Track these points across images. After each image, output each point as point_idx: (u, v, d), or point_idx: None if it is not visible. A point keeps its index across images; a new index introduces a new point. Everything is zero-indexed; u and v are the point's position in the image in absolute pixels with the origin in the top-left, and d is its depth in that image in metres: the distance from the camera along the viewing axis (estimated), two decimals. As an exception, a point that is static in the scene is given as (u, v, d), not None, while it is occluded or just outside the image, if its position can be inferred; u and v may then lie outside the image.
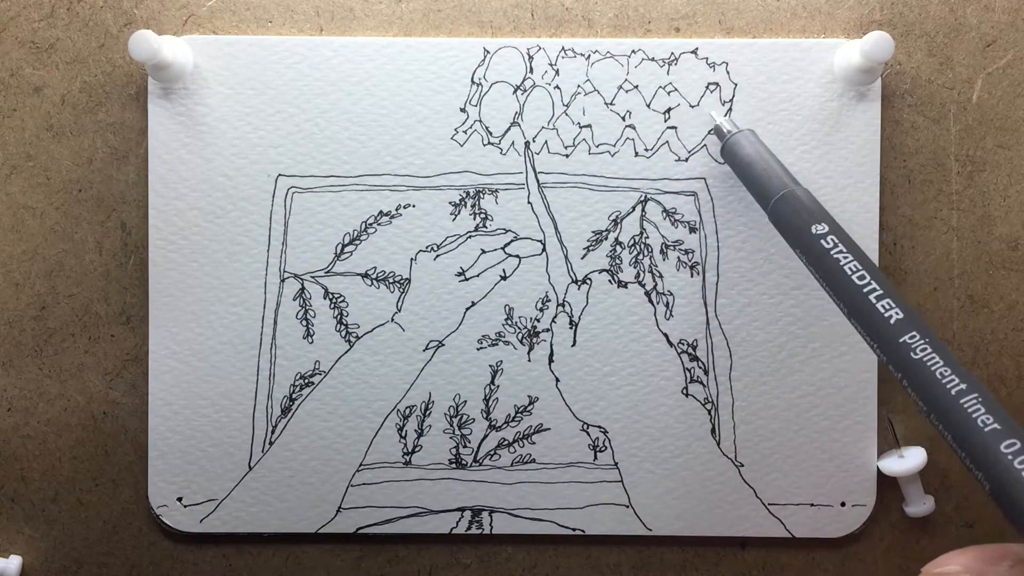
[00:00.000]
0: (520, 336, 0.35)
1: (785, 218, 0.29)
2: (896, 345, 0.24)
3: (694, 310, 0.35)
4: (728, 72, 0.35)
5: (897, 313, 0.24)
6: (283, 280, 0.35)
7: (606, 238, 0.35)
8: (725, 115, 0.34)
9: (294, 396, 0.35)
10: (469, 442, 0.36)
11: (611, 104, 0.35)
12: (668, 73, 0.35)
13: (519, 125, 0.35)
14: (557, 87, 0.35)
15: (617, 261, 0.35)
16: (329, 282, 0.35)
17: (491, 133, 0.35)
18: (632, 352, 0.35)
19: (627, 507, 0.35)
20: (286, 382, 0.35)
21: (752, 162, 0.31)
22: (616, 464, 0.35)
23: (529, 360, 0.35)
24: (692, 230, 0.35)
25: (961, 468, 0.36)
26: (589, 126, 0.35)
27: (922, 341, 0.23)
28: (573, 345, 0.35)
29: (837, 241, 0.27)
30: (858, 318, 0.25)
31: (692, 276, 0.35)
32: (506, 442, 0.36)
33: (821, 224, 0.27)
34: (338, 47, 0.35)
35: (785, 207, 0.29)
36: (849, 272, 0.26)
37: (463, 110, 0.35)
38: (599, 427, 0.35)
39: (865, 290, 0.25)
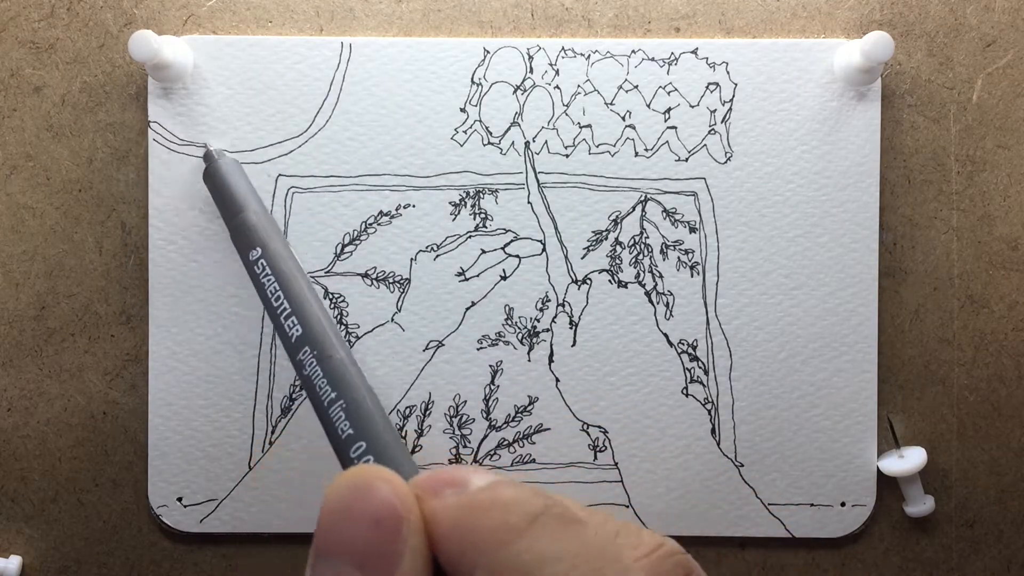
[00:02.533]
0: (520, 336, 0.35)
1: (237, 242, 0.32)
2: (295, 361, 0.28)
3: (694, 310, 0.35)
4: (728, 72, 0.35)
5: (297, 331, 0.28)
6: (283, 280, 0.35)
7: (606, 238, 0.35)
8: (212, 146, 0.34)
9: (294, 396, 0.35)
10: (469, 442, 0.36)
11: (611, 104, 0.35)
12: (668, 73, 0.35)
13: (519, 125, 0.35)
14: (557, 87, 0.35)
15: (617, 261, 0.35)
16: (329, 282, 0.35)
17: (491, 133, 0.35)
18: (632, 352, 0.35)
19: (627, 507, 0.35)
20: (286, 382, 0.35)
21: (223, 187, 0.33)
22: (616, 464, 0.35)
23: (529, 360, 0.35)
24: (692, 230, 0.35)
25: (961, 468, 0.36)
26: (589, 126, 0.35)
27: (311, 356, 0.27)
28: (573, 345, 0.35)
29: (265, 265, 0.30)
30: (279, 335, 0.29)
31: (692, 276, 0.35)
32: (506, 442, 0.36)
33: (256, 249, 0.31)
34: (338, 47, 0.35)
35: (238, 232, 0.32)
36: (270, 293, 0.30)
37: (463, 110, 0.35)
38: (599, 427, 0.35)
39: (279, 310, 0.29)
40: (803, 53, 0.35)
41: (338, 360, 0.27)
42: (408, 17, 0.36)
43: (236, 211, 0.32)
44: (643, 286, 0.35)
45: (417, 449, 0.35)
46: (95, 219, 0.36)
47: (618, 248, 0.35)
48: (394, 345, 0.35)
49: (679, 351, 0.35)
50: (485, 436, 0.35)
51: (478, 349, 0.35)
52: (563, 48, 0.35)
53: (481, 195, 0.35)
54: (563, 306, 0.35)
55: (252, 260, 0.31)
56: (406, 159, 0.35)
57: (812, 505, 0.35)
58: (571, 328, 0.35)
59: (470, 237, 0.35)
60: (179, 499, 0.35)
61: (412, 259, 0.35)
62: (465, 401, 0.35)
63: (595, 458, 0.35)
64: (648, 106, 0.35)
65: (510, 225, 0.35)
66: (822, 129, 0.35)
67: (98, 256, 0.36)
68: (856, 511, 0.36)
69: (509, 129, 0.35)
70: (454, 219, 0.35)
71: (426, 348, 0.35)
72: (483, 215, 0.35)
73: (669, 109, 0.35)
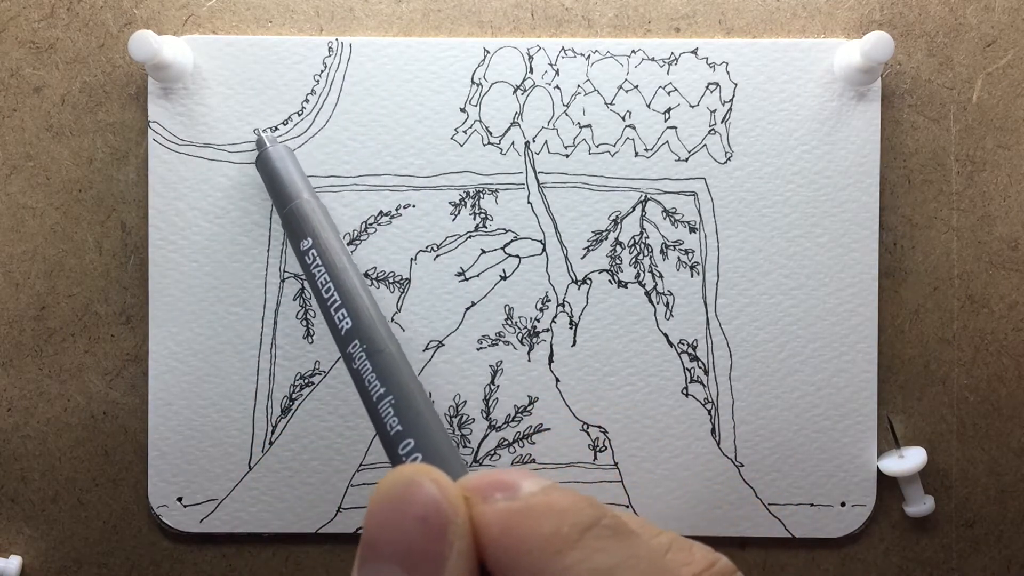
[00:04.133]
0: (520, 336, 0.35)
1: (288, 231, 0.31)
2: (345, 355, 0.28)
3: (694, 310, 0.35)
4: (728, 72, 0.35)
5: (347, 324, 0.28)
6: (283, 280, 0.35)
7: (606, 238, 0.35)
8: (266, 130, 0.34)
9: (294, 396, 0.35)
10: (469, 442, 0.36)
11: (611, 104, 0.35)
12: (668, 73, 0.35)
13: (519, 125, 0.35)
14: (557, 87, 0.35)
15: (617, 261, 0.35)
16: (329, 282, 0.35)
17: (491, 133, 0.35)
18: (632, 352, 0.35)
19: (627, 507, 0.35)
20: (286, 382, 0.35)
21: (277, 174, 0.32)
22: (616, 464, 0.35)
23: (529, 360, 0.35)
24: (692, 230, 0.35)
25: (961, 468, 0.36)
26: (589, 126, 0.35)
27: (361, 350, 0.27)
28: (573, 345, 0.35)
29: (316, 255, 0.30)
30: (329, 327, 0.29)
31: (692, 276, 0.35)
32: (506, 442, 0.36)
33: (307, 239, 0.30)
34: (338, 47, 0.35)
35: (289, 220, 0.31)
36: (320, 284, 0.29)
37: (463, 110, 0.35)
38: (599, 427, 0.35)
39: (329, 301, 0.29)
40: (803, 53, 0.35)
41: (388, 354, 0.27)
42: (408, 17, 0.36)
43: (287, 200, 0.31)
44: (643, 286, 0.35)
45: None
46: (95, 219, 0.36)
47: (618, 248, 0.35)
48: (394, 345, 0.35)
49: (679, 351, 0.35)
50: (485, 436, 0.35)
51: (478, 349, 0.35)
52: (563, 48, 0.35)
53: (481, 195, 0.35)
54: (563, 306, 0.35)
55: (303, 250, 0.30)
56: (406, 159, 0.35)
57: (812, 505, 0.35)
58: (571, 328, 0.35)
59: (470, 237, 0.35)
60: (179, 499, 0.35)
61: (412, 259, 0.35)
62: (465, 401, 0.35)
63: (595, 458, 0.35)
64: (648, 106, 0.35)
65: (510, 225, 0.35)
66: (822, 129, 0.35)
67: (98, 256, 0.36)
68: (856, 511, 0.36)
69: (509, 129, 0.35)
70: (454, 219, 0.35)
71: (426, 348, 0.35)
72: (483, 215, 0.35)
73: (669, 109, 0.35)
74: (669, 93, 0.35)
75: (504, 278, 0.35)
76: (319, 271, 0.29)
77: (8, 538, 0.36)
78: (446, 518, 0.16)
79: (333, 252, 0.30)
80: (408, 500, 0.16)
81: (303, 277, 0.35)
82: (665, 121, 0.35)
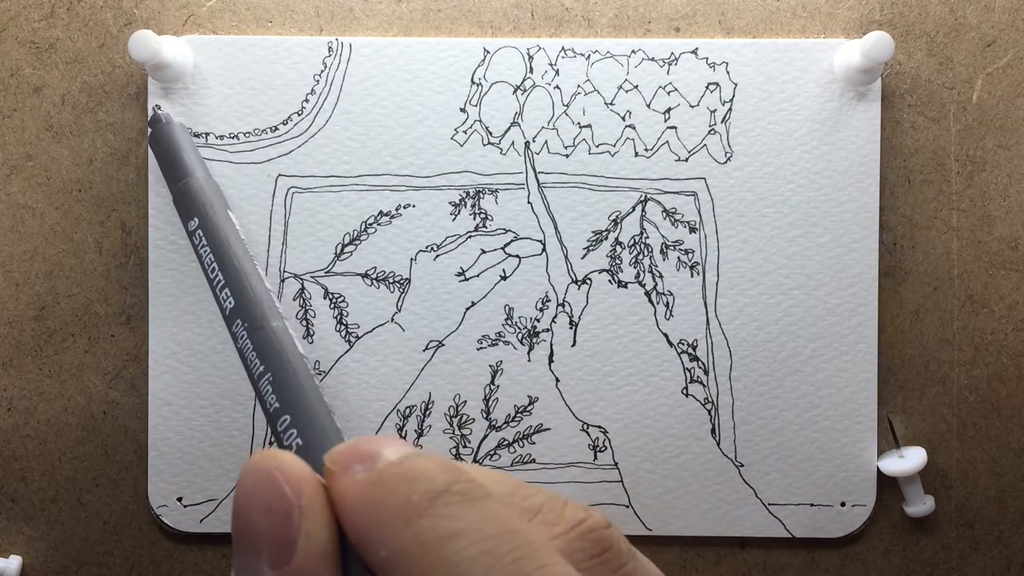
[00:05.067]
0: (520, 336, 0.35)
1: (179, 209, 0.32)
2: (231, 333, 0.28)
3: (694, 310, 0.35)
4: (728, 72, 0.35)
5: (231, 303, 0.28)
6: (283, 280, 0.35)
7: (606, 238, 0.35)
8: (161, 108, 0.34)
9: (294, 396, 0.35)
10: (469, 442, 0.36)
11: (611, 104, 0.35)
12: (668, 73, 0.35)
13: (519, 125, 0.35)
14: (557, 87, 0.35)
15: (617, 261, 0.35)
16: (329, 282, 0.35)
17: (491, 133, 0.35)
18: (632, 352, 0.35)
19: (627, 507, 0.35)
20: (286, 382, 0.35)
21: (168, 153, 0.32)
22: (616, 464, 0.35)
23: (529, 360, 0.35)
24: (692, 230, 0.35)
25: (961, 468, 0.36)
26: (589, 126, 0.35)
27: (243, 328, 0.27)
28: (573, 345, 0.35)
29: (202, 235, 0.30)
30: (218, 306, 0.29)
31: (692, 276, 0.35)
32: (506, 442, 0.36)
33: (194, 219, 0.30)
34: (338, 47, 0.35)
35: (179, 199, 0.31)
36: (206, 264, 0.29)
37: (463, 110, 0.35)
38: (599, 427, 0.35)
39: (214, 281, 0.29)
40: (803, 53, 0.35)
41: (268, 331, 0.27)
42: (408, 17, 0.36)
43: (177, 178, 0.32)
44: (643, 286, 0.35)
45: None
46: (95, 219, 0.36)
47: (618, 248, 0.35)
48: (394, 345, 0.35)
49: (679, 351, 0.35)
50: (485, 436, 0.35)
51: (478, 349, 0.35)
52: (563, 48, 0.35)
53: (481, 195, 0.35)
54: (563, 306, 0.35)
55: (191, 230, 0.30)
56: (406, 159, 0.35)
57: (812, 505, 0.35)
58: (571, 328, 0.35)
59: (470, 237, 0.35)
60: (179, 499, 0.35)
61: (412, 259, 0.35)
62: (465, 401, 0.35)
63: (595, 458, 0.35)
64: (648, 106, 0.35)
65: (510, 225, 0.35)
66: (822, 129, 0.35)
67: (98, 256, 0.36)
68: (856, 511, 0.36)
69: (509, 129, 0.35)
70: (454, 219, 0.35)
71: (426, 348, 0.35)
72: (483, 215, 0.35)
73: (669, 109, 0.35)
74: (669, 93, 0.35)
75: (504, 278, 0.35)
76: (205, 251, 0.30)
77: (8, 538, 0.36)
78: (289, 503, 0.16)
79: (219, 232, 0.30)
80: (254, 491, 0.16)
81: (303, 277, 0.35)
82: (665, 121, 0.35)
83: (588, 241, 0.35)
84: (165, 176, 0.33)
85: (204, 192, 0.31)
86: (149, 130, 0.33)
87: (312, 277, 0.35)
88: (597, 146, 0.35)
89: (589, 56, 0.35)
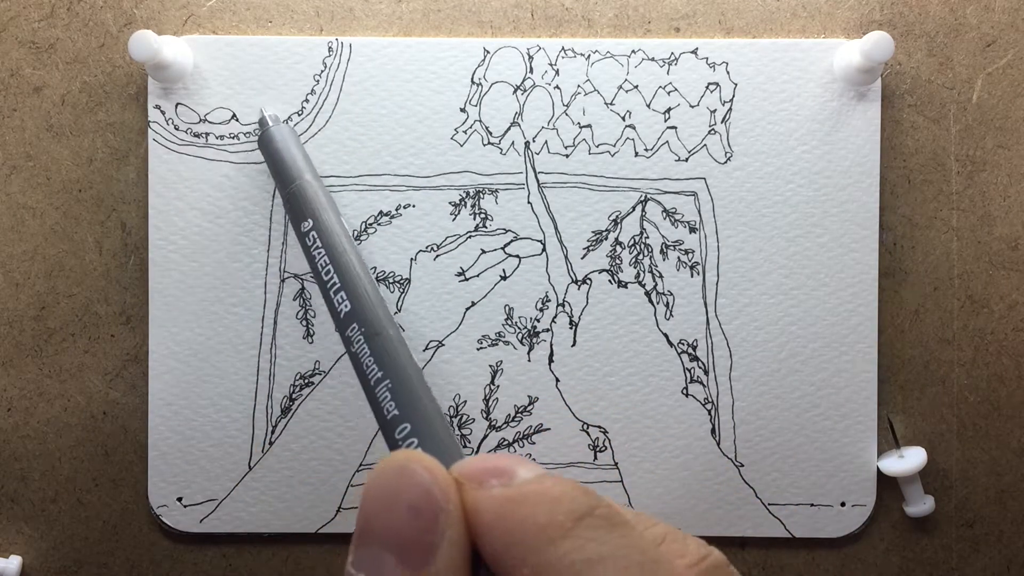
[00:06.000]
0: (520, 336, 0.35)
1: (289, 212, 0.31)
2: (344, 338, 0.27)
3: (694, 310, 0.35)
4: (728, 72, 0.35)
5: (346, 307, 0.28)
6: (283, 280, 0.35)
7: (606, 238, 0.35)
8: (267, 111, 0.34)
9: (294, 396, 0.35)
10: (469, 442, 0.36)
11: (611, 104, 0.35)
12: (668, 73, 0.35)
13: (519, 125, 0.35)
14: (557, 87, 0.35)
15: (617, 261, 0.35)
16: (329, 282, 0.35)
17: (491, 133, 0.35)
18: (632, 352, 0.35)
19: (627, 507, 0.35)
20: (286, 382, 0.35)
21: (279, 154, 0.32)
22: (616, 464, 0.35)
23: (529, 360, 0.35)
24: (692, 230, 0.35)
25: (961, 468, 0.36)
26: (589, 126, 0.35)
27: (359, 333, 0.27)
28: (573, 345, 0.35)
29: (316, 237, 0.29)
30: (329, 310, 0.28)
31: (692, 276, 0.35)
32: (506, 442, 0.36)
33: (308, 221, 0.30)
34: (338, 47, 0.35)
35: (291, 201, 0.31)
36: (320, 267, 0.29)
37: (463, 110, 0.35)
38: (599, 427, 0.35)
39: (328, 284, 0.28)
40: (803, 53, 0.35)
41: (386, 338, 0.26)
42: (408, 17, 0.36)
43: (289, 180, 0.31)
44: (643, 286, 0.35)
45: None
46: (95, 219, 0.36)
47: (618, 248, 0.35)
48: (394, 345, 0.35)
49: (679, 351, 0.35)
50: (485, 436, 0.35)
51: (478, 349, 0.35)
52: (563, 48, 0.35)
53: (481, 195, 0.35)
54: (563, 306, 0.35)
55: (304, 232, 0.30)
56: (406, 159, 0.35)
57: (812, 505, 0.35)
58: (571, 328, 0.35)
59: (470, 237, 0.35)
60: (179, 499, 0.35)
61: (412, 259, 0.35)
62: (465, 401, 0.35)
63: (595, 458, 0.35)
64: (648, 106, 0.35)
65: (510, 225, 0.35)
66: (822, 129, 0.35)
67: (98, 256, 0.36)
68: (856, 511, 0.36)
69: (509, 129, 0.35)
70: (454, 219, 0.35)
71: (426, 348, 0.35)
72: (483, 215, 0.35)
73: (669, 109, 0.35)
74: (669, 93, 0.35)
75: (504, 278, 0.35)
76: (319, 253, 0.29)
77: (8, 538, 0.36)
78: (437, 506, 0.16)
79: (333, 234, 0.29)
80: (400, 488, 0.16)
81: (303, 277, 0.35)
82: (665, 121, 0.35)
83: (588, 241, 0.35)
84: (275, 178, 0.32)
85: (318, 194, 0.31)
86: (259, 132, 0.33)
87: (312, 277, 0.35)
88: (597, 146, 0.35)
89: (589, 56, 0.35)
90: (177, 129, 0.35)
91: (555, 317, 0.35)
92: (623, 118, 0.35)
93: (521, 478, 0.17)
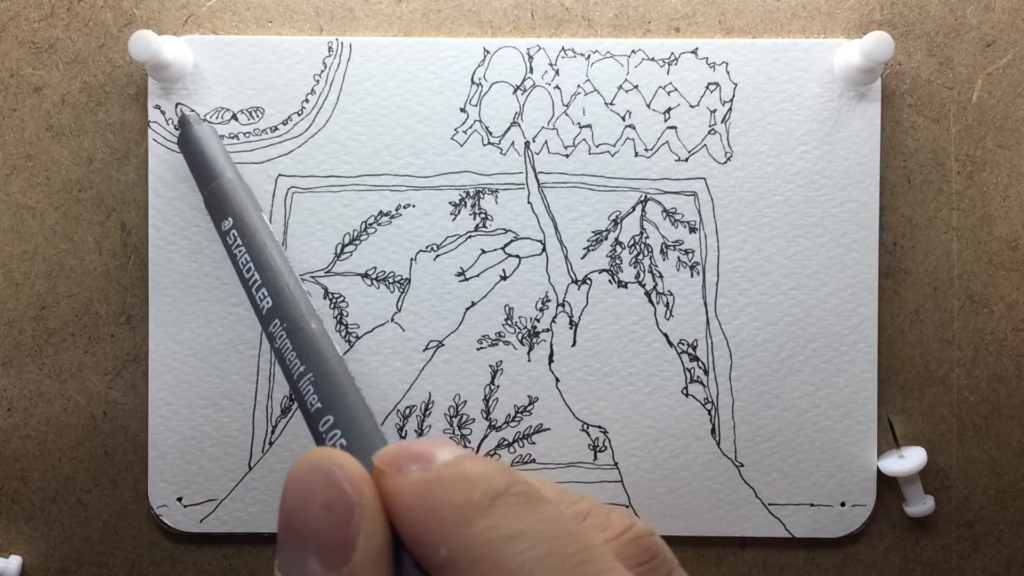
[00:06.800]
0: (520, 336, 0.35)
1: (211, 211, 0.31)
2: (267, 334, 0.27)
3: (694, 310, 0.35)
4: (728, 72, 0.35)
5: (268, 303, 0.28)
6: (283, 280, 0.35)
7: (606, 238, 0.35)
8: (192, 110, 0.34)
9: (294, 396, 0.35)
10: (469, 442, 0.36)
11: (611, 104, 0.35)
12: (668, 73, 0.35)
13: (519, 125, 0.35)
14: (557, 87, 0.35)
15: (617, 261, 0.35)
16: (329, 282, 0.35)
17: (491, 133, 0.35)
18: (632, 352, 0.35)
19: (627, 507, 0.35)
20: (286, 382, 0.35)
21: (199, 154, 0.32)
22: (616, 464, 0.35)
23: (529, 360, 0.35)
24: (692, 230, 0.35)
25: (961, 468, 0.36)
26: (589, 126, 0.35)
27: (281, 328, 0.27)
28: (573, 345, 0.35)
29: (237, 235, 0.30)
30: (252, 307, 0.29)
31: (692, 276, 0.35)
32: (506, 442, 0.36)
33: (228, 219, 0.30)
34: (338, 47, 0.35)
35: (211, 200, 0.31)
36: (241, 264, 0.29)
37: (463, 110, 0.35)
38: (599, 427, 0.35)
39: (250, 281, 0.29)
40: (803, 53, 0.35)
41: (308, 332, 0.27)
42: (408, 17, 0.36)
43: (209, 179, 0.31)
44: (643, 286, 0.35)
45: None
46: (95, 219, 0.36)
47: (618, 248, 0.35)
48: (394, 345, 0.35)
49: (679, 351, 0.35)
50: (485, 436, 0.35)
51: (478, 349, 0.35)
52: (563, 48, 0.35)
53: (481, 195, 0.35)
54: (563, 306, 0.35)
55: (224, 230, 0.30)
56: (406, 159, 0.35)
57: (812, 505, 0.35)
58: (571, 328, 0.35)
59: (470, 237, 0.35)
60: (179, 499, 0.35)
61: (412, 259, 0.35)
62: (465, 401, 0.35)
63: (595, 458, 0.35)
64: (648, 106, 0.35)
65: (510, 225, 0.35)
66: (822, 129, 0.35)
67: (98, 256, 0.36)
68: (856, 511, 0.36)
69: (509, 129, 0.35)
70: (454, 219, 0.35)
71: (426, 348, 0.35)
72: (483, 215, 0.35)
73: (669, 109, 0.35)
74: (669, 93, 0.35)
75: (504, 278, 0.35)
76: (240, 251, 0.29)
77: (8, 538, 0.36)
78: (350, 502, 0.16)
79: (254, 232, 0.30)
80: (312, 487, 0.16)
81: (303, 277, 0.35)
82: (665, 121, 0.35)
83: (588, 241, 0.35)
84: (195, 177, 0.32)
85: (238, 192, 0.31)
86: (179, 131, 0.33)
87: (312, 277, 0.35)
88: (597, 146, 0.35)
89: (589, 56, 0.35)
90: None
91: (555, 317, 0.35)
92: (623, 118, 0.35)
93: (440, 461, 0.17)
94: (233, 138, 0.35)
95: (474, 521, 0.15)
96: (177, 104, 0.34)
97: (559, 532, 0.15)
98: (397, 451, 0.17)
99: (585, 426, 0.35)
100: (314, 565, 0.16)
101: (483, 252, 0.35)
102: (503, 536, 0.15)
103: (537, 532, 0.15)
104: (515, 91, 0.35)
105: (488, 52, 0.35)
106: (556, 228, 0.35)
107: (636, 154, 0.35)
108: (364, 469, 0.17)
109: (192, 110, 0.34)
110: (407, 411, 0.35)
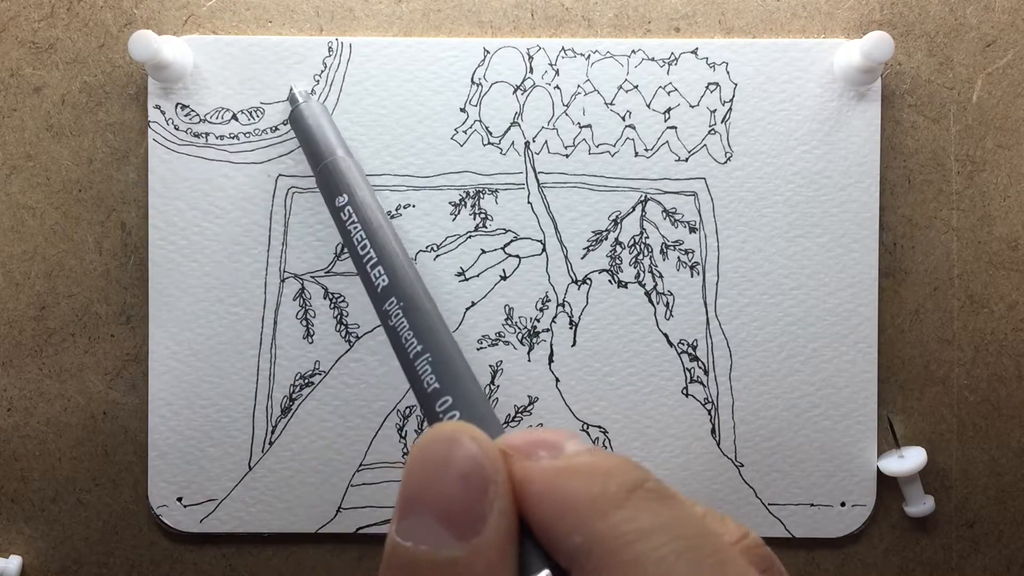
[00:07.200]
0: (520, 336, 0.35)
1: (323, 188, 0.31)
2: (381, 312, 0.27)
3: (694, 310, 0.35)
4: (728, 72, 0.35)
5: (384, 281, 0.27)
6: (283, 280, 0.35)
7: (606, 238, 0.35)
8: (296, 88, 0.34)
9: (294, 396, 0.35)
10: (469, 442, 0.35)
11: (611, 104, 0.35)
12: (668, 73, 0.35)
13: (519, 125, 0.35)
14: (557, 87, 0.35)
15: (617, 261, 0.35)
16: (329, 282, 0.35)
17: (491, 133, 0.35)
18: (632, 352, 0.35)
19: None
20: (286, 382, 0.35)
21: (311, 131, 0.32)
22: (616, 464, 0.35)
23: (529, 360, 0.35)
24: (692, 230, 0.35)
25: (961, 468, 0.36)
26: (589, 126, 0.35)
27: (398, 307, 0.26)
28: (573, 345, 0.35)
29: (352, 212, 0.29)
30: (365, 285, 0.28)
31: (692, 276, 0.35)
32: (506, 442, 0.35)
33: (342, 196, 0.30)
34: (338, 47, 0.35)
35: (324, 177, 0.31)
36: (356, 241, 0.29)
37: (463, 110, 0.35)
38: (599, 427, 0.35)
39: (365, 259, 0.28)
40: (803, 53, 0.35)
41: (425, 312, 0.26)
42: (408, 17, 0.36)
43: (322, 156, 0.31)
44: (643, 286, 0.35)
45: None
46: (95, 219, 0.36)
47: (618, 248, 0.35)
48: (394, 345, 0.35)
49: (679, 351, 0.35)
50: (485, 436, 0.35)
51: (478, 349, 0.35)
52: (563, 48, 0.35)
53: (481, 195, 0.35)
54: (563, 306, 0.35)
55: (338, 207, 0.30)
56: (406, 159, 0.35)
57: (812, 505, 0.35)
58: (571, 328, 0.35)
59: (470, 237, 0.35)
60: (179, 499, 0.35)
61: (412, 259, 0.35)
62: (465, 401, 0.35)
63: (595, 458, 0.35)
64: (648, 106, 0.35)
65: (510, 225, 0.35)
66: (822, 129, 0.35)
67: (98, 256, 0.36)
68: (856, 511, 0.36)
69: (509, 129, 0.35)
70: (454, 219, 0.35)
71: (426, 348, 0.35)
72: (483, 215, 0.35)
73: (669, 109, 0.35)
74: (669, 93, 0.35)
75: (504, 278, 0.35)
76: (355, 227, 0.29)
77: (8, 538, 0.36)
78: (487, 477, 0.16)
79: (368, 209, 0.29)
80: (450, 458, 0.16)
81: (303, 277, 0.35)
82: (665, 121, 0.35)
83: (588, 241, 0.35)
84: (307, 154, 0.32)
85: (351, 169, 0.31)
86: (290, 109, 0.33)
87: (312, 277, 0.35)
88: (597, 146, 0.35)
89: (589, 56, 0.35)
90: (177, 129, 0.35)
91: (555, 317, 0.35)
92: (623, 118, 0.35)
93: (571, 450, 0.17)
94: (233, 138, 0.35)
95: (610, 513, 0.15)
96: (291, 86, 0.34)
97: (696, 530, 0.15)
98: (525, 437, 0.17)
99: (585, 426, 0.35)
100: (443, 533, 0.15)
101: (483, 252, 0.35)
102: (640, 529, 0.15)
103: (674, 528, 0.15)
104: (515, 91, 0.35)
105: (488, 52, 0.35)
106: (556, 228, 0.35)
107: (636, 154, 0.35)
108: (497, 448, 0.17)
109: (292, 88, 0.34)
110: (407, 411, 0.35)
